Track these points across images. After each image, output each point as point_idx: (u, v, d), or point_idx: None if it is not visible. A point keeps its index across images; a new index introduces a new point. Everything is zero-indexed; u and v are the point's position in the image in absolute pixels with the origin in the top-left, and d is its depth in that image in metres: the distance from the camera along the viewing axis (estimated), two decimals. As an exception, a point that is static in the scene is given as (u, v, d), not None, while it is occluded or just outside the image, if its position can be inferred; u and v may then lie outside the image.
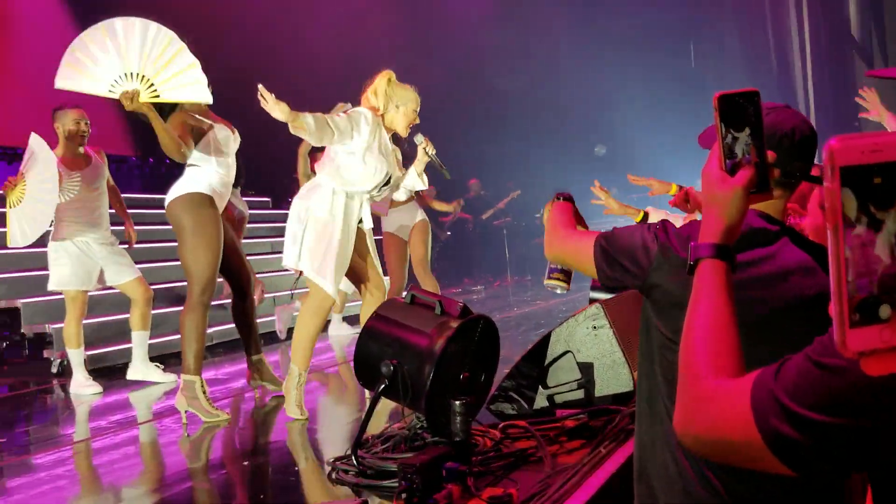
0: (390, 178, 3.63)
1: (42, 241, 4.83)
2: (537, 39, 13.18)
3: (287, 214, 3.70)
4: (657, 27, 12.91)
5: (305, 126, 3.29)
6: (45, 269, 4.92)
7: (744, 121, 1.05)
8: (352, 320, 6.72)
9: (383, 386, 2.54)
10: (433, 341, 2.50)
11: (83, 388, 4.72)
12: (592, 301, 3.24)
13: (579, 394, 3.03)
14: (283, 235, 3.73)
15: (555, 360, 3.03)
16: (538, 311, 7.65)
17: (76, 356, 4.78)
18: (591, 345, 3.02)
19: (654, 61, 12.54)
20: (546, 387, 3.07)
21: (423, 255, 5.84)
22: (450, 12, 13.31)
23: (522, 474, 2.44)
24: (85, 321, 4.92)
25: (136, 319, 4.88)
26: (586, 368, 3.02)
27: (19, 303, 5.82)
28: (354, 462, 2.54)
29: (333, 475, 2.61)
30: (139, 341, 4.89)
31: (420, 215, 5.89)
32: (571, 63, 12.79)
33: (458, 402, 2.39)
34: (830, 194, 0.67)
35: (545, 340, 3.08)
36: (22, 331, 5.86)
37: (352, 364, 2.84)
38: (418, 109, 3.67)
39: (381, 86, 3.62)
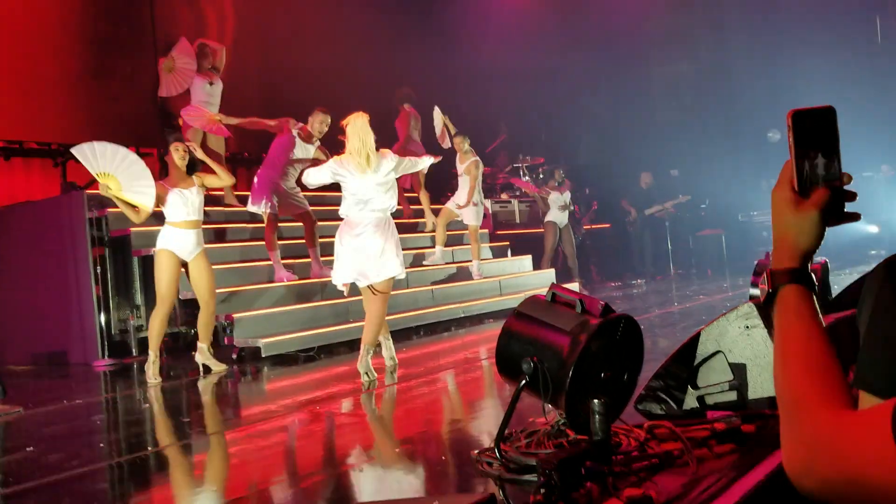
0: None
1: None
2: (702, 23, 12.64)
3: None
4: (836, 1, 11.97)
5: None
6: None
7: (819, 140, 1.01)
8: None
9: (524, 382, 2.58)
10: (573, 340, 2.51)
11: None
12: (752, 299, 3.09)
13: (731, 395, 2.91)
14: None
15: (704, 360, 2.94)
16: (701, 307, 7.36)
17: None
18: (743, 345, 2.89)
19: (834, 38, 11.64)
20: (696, 387, 2.97)
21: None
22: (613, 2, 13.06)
23: (666, 477, 2.38)
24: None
25: None
26: (738, 370, 2.90)
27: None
28: (497, 455, 2.60)
29: (478, 466, 2.68)
30: None
31: None
32: (740, 46, 12.14)
33: (597, 402, 2.38)
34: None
35: (695, 340, 2.98)
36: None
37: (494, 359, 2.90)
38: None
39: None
